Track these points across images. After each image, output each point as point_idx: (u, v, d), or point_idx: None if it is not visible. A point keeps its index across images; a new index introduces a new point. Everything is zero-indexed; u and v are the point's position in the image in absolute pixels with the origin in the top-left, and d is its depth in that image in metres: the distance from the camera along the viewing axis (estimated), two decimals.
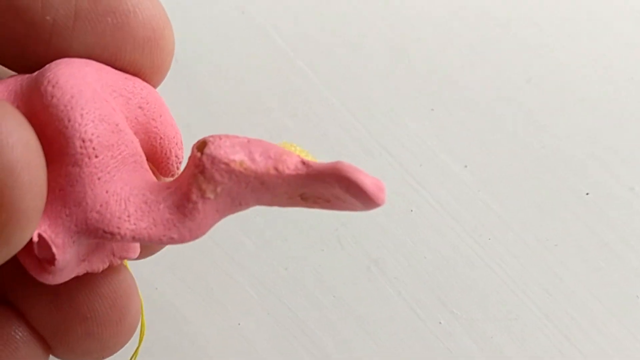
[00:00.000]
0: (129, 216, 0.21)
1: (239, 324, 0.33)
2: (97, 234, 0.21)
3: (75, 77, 0.22)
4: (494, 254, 0.35)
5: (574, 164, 0.37)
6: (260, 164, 0.21)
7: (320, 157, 0.30)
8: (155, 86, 0.25)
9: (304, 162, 0.21)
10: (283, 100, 0.37)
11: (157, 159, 0.25)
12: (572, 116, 0.38)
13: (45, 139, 0.21)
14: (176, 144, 0.25)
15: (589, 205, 0.37)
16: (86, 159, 0.21)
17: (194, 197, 0.21)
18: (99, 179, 0.21)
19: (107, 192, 0.21)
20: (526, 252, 0.36)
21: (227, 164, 0.21)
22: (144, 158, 0.23)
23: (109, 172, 0.21)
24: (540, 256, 0.36)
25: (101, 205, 0.21)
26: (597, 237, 0.36)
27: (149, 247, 0.26)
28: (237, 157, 0.21)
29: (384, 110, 0.38)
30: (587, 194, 0.37)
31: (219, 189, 0.21)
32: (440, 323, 0.34)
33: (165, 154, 0.25)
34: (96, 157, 0.21)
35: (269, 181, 0.21)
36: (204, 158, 0.21)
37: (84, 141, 0.21)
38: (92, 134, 0.21)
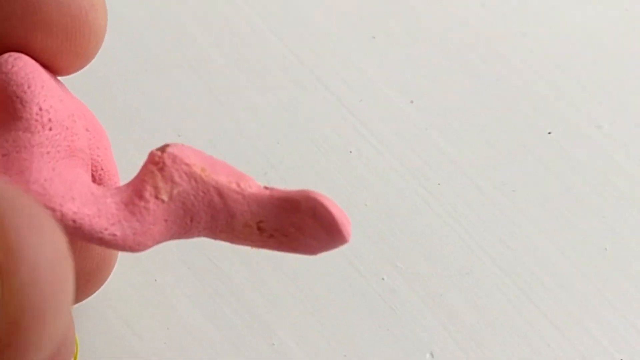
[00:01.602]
0: (73, 198, 0.21)
1: (155, 280, 0.32)
2: None
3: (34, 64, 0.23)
4: (444, 201, 0.35)
5: (534, 98, 0.37)
6: (222, 175, 0.22)
7: (247, 91, 0.34)
8: (76, 71, 0.25)
9: (267, 187, 0.22)
10: (205, 26, 0.38)
11: None
12: (533, 44, 0.39)
13: None
14: (115, 182, 0.25)
15: (551, 146, 0.36)
16: (39, 128, 0.21)
17: (147, 194, 0.21)
18: (47, 152, 0.21)
19: (53, 169, 0.21)
20: (480, 199, 0.35)
21: (188, 165, 0.21)
22: (90, 162, 0.24)
23: (58, 152, 0.22)
24: (496, 203, 0.35)
25: (45, 180, 0.21)
26: (560, 181, 0.35)
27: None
28: (200, 162, 0.22)
29: (319, 36, 0.38)
30: (549, 133, 0.37)
31: (174, 192, 0.21)
32: (382, 279, 0.33)
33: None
34: (50, 129, 0.21)
35: (228, 196, 0.21)
36: (165, 156, 0.21)
37: (41, 109, 0.21)
38: (51, 106, 0.22)
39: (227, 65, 0.37)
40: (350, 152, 0.36)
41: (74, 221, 0.21)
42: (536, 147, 0.36)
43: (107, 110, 0.34)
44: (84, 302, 0.31)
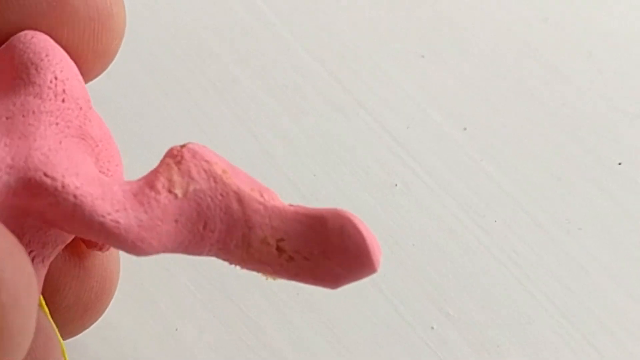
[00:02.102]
0: (77, 174, 0.21)
1: (177, 330, 0.32)
2: (34, 177, 0.20)
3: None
4: (501, 241, 0.35)
5: (602, 125, 0.37)
6: (244, 183, 0.21)
7: (278, 117, 0.35)
8: (97, 74, 0.25)
9: (292, 205, 0.22)
10: (232, 45, 0.38)
11: None
12: (601, 64, 0.39)
13: (6, 72, 0.22)
14: None
15: (621, 178, 0.36)
16: (52, 96, 0.21)
17: (159, 185, 0.21)
18: (56, 124, 0.21)
19: (60, 143, 0.21)
20: (542, 238, 0.35)
21: (209, 163, 0.21)
22: (99, 157, 0.24)
23: (68, 127, 0.22)
24: (559, 243, 0.35)
25: (49, 149, 0.21)
26: (632, 218, 0.35)
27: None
28: (222, 164, 0.21)
29: (360, 55, 0.38)
30: (620, 163, 0.36)
31: (190, 189, 0.21)
32: (432, 328, 0.33)
33: None
34: (63, 101, 0.22)
35: (248, 204, 0.21)
36: (185, 150, 0.21)
37: (56, 78, 0.22)
38: (67, 78, 0.22)
39: (255, 86, 0.37)
40: (396, 185, 0.36)
41: (75, 197, 0.20)
42: (605, 179, 0.36)
43: (120, 135, 0.35)
44: (97, 352, 0.31)
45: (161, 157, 0.28)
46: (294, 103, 0.37)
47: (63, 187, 0.21)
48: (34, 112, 0.21)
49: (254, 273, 0.33)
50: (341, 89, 0.37)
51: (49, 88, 0.22)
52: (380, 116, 0.37)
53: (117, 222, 0.21)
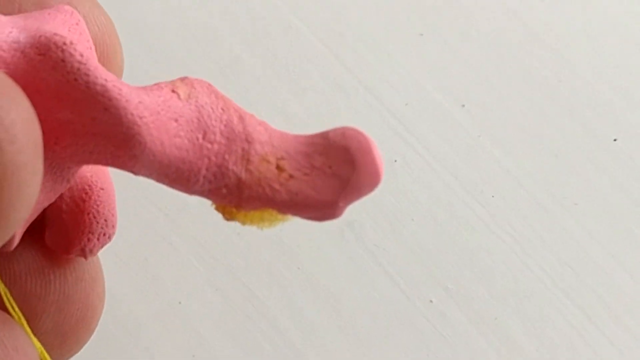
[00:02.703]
0: (85, 49, 0.22)
1: (180, 303, 0.33)
2: (44, 34, 0.21)
3: None
4: (499, 216, 0.35)
5: (599, 103, 0.37)
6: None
7: (279, 95, 0.35)
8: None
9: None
10: (234, 24, 0.38)
11: (75, 220, 0.25)
12: (598, 44, 0.38)
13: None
14: (105, 234, 0.25)
15: (617, 154, 0.36)
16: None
17: (162, 85, 0.21)
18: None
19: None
20: (539, 214, 0.35)
21: (211, 86, 0.21)
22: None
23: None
24: (556, 218, 0.35)
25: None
26: (627, 194, 0.35)
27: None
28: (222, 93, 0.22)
29: (359, 34, 0.38)
30: (615, 140, 0.36)
31: (193, 94, 0.21)
32: (431, 302, 0.33)
33: (85, 226, 0.25)
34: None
35: (249, 122, 0.21)
36: (189, 77, 0.22)
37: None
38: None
39: (258, 66, 0.37)
40: (395, 161, 0.36)
41: (82, 55, 0.20)
42: (601, 156, 0.36)
43: None
44: (100, 326, 0.30)
45: None
46: (294, 81, 0.37)
47: (71, 43, 0.21)
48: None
49: (257, 247, 0.34)
50: (341, 67, 0.37)
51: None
52: (380, 94, 0.37)
53: (120, 88, 0.20)
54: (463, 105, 0.37)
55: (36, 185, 0.19)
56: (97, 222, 0.24)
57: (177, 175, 0.21)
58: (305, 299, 0.33)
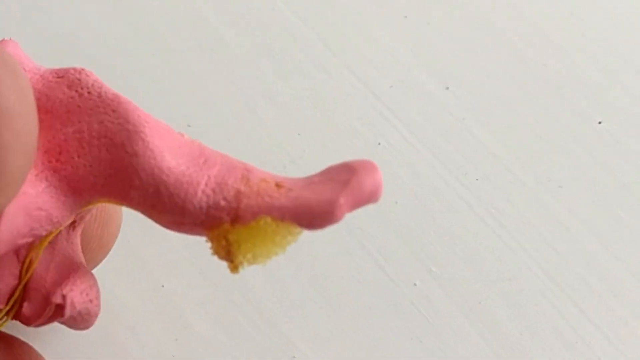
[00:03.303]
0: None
1: (163, 286, 0.32)
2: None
3: None
4: (484, 198, 0.35)
5: (583, 85, 0.37)
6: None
7: (263, 76, 0.34)
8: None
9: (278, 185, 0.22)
10: (219, 6, 0.38)
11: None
12: (583, 25, 0.39)
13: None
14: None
15: (601, 137, 0.36)
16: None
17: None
18: None
19: None
20: (523, 196, 0.35)
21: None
22: None
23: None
24: (540, 200, 0.35)
25: None
26: (612, 176, 0.36)
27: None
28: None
29: (344, 16, 0.38)
30: (600, 122, 0.37)
31: (196, 140, 0.23)
32: (415, 285, 0.33)
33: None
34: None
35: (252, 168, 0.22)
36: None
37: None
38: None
39: (243, 48, 0.37)
40: (379, 144, 0.36)
41: (96, 80, 0.23)
42: (585, 138, 0.36)
43: None
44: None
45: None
46: (279, 63, 0.37)
47: (88, 71, 0.23)
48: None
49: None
50: (325, 49, 0.38)
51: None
52: (364, 75, 0.37)
53: (130, 100, 0.22)
54: (447, 88, 0.37)
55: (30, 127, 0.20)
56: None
57: (176, 186, 0.21)
58: (289, 282, 0.33)
